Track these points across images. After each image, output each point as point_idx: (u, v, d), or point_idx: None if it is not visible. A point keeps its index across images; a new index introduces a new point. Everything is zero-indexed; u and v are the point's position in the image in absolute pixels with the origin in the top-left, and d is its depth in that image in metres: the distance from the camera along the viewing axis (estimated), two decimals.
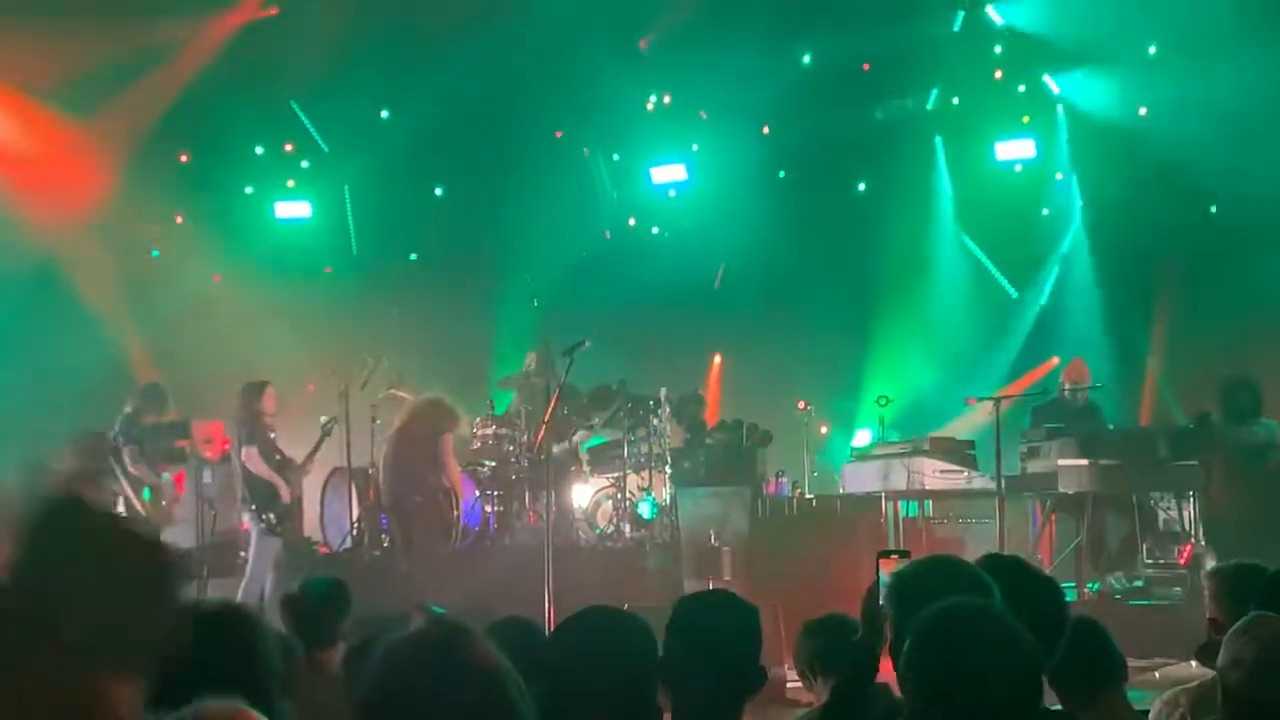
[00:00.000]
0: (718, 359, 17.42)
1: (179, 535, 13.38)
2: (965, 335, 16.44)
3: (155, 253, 17.04)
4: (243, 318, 16.15)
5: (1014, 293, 17.00)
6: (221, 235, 16.82)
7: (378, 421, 13.76)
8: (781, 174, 17.08)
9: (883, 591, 3.78)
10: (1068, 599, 3.92)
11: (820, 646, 5.19)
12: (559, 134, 16.95)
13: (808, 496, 13.60)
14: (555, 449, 13.28)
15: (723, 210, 17.18)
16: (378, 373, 13.94)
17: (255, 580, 12.05)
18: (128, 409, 12.94)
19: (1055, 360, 14.94)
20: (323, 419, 13.13)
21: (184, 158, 16.75)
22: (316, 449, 12.80)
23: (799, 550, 12.24)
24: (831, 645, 5.06)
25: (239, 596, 11.90)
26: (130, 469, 12.63)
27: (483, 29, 15.41)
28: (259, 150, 17.17)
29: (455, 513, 12.26)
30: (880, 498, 12.89)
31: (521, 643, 3.77)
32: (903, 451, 13.04)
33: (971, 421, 13.83)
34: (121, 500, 12.69)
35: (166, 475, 13.02)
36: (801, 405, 14.42)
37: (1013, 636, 3.04)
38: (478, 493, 13.43)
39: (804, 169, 16.97)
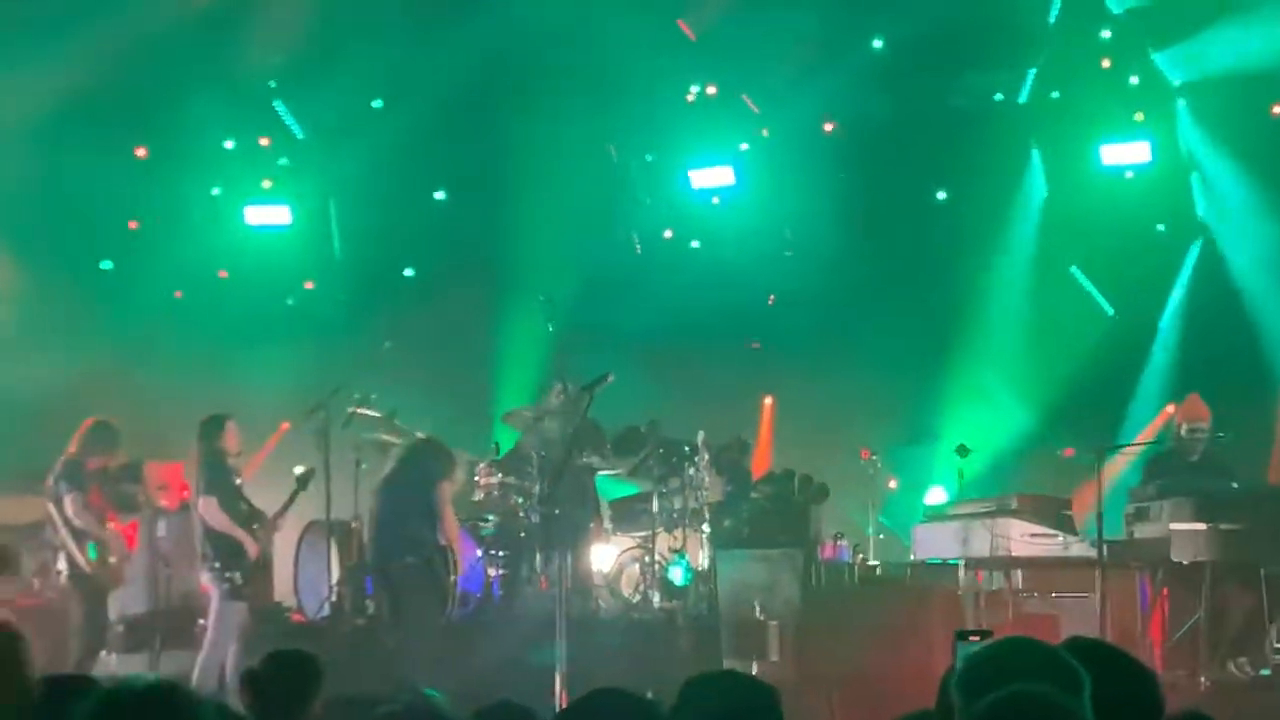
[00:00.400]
0: (769, 400, 17.42)
1: (129, 597, 13.46)
2: (1063, 375, 16.39)
3: (106, 264, 17.16)
4: (208, 342, 16.24)
5: (1123, 325, 16.95)
6: (184, 244, 16.93)
7: (363, 467, 13.80)
8: (845, 178, 17.08)
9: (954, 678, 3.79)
10: (1161, 691, 3.91)
11: None
12: (582, 130, 16.99)
13: (871, 563, 13.58)
14: (572, 502, 13.31)
15: (776, 221, 17.20)
16: (364, 409, 13.98)
17: (216, 652, 12.07)
18: (71, 450, 13.00)
19: (1171, 407, 14.87)
20: (297, 469, 13.16)
21: (141, 152, 16.87)
22: (289, 504, 12.84)
23: (860, 627, 12.23)
24: None
25: (196, 671, 11.93)
26: (73, 519, 12.69)
27: (494, 4, 15.51)
28: (229, 144, 17.28)
29: (452, 576, 12.27)
30: (958, 566, 12.85)
31: None
32: (986, 511, 12.99)
33: (1069, 478, 13.78)
34: (62, 556, 12.76)
35: (114, 527, 13.08)
36: (865, 455, 14.39)
37: None
38: (480, 552, 13.45)
39: (872, 173, 16.97)
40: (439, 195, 17.65)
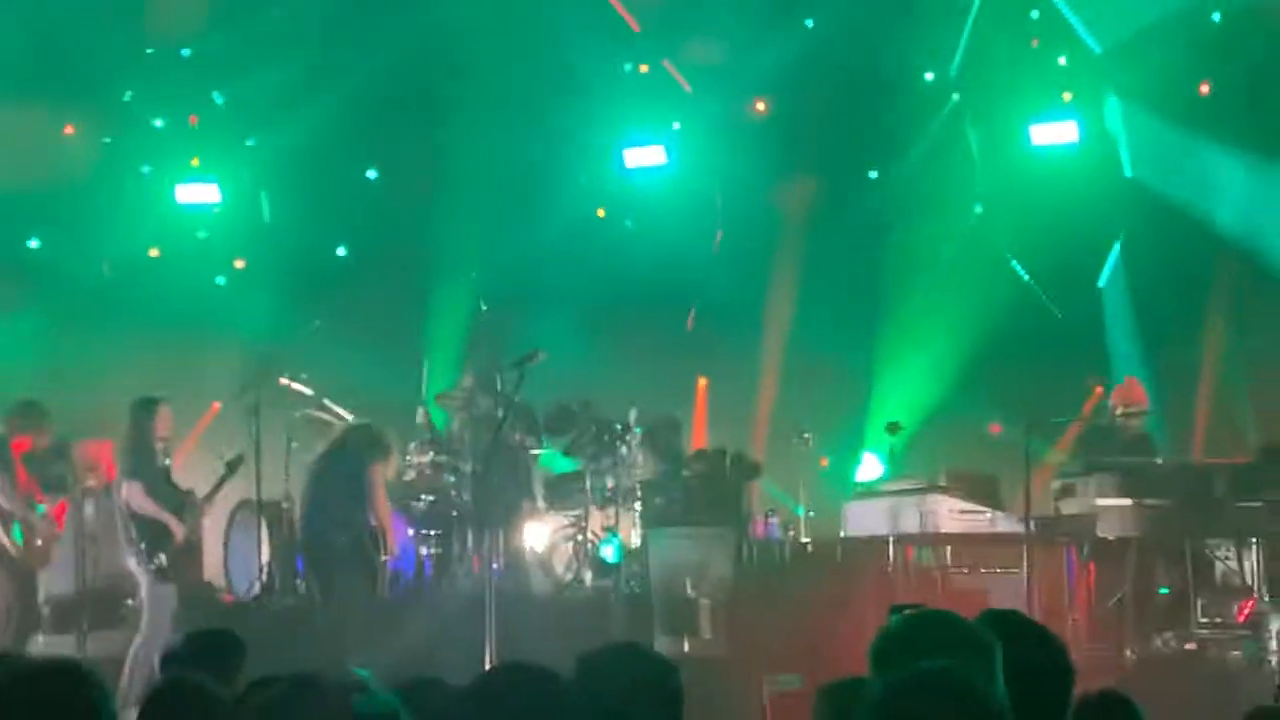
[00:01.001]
0: (703, 381, 17.42)
1: (57, 578, 13.36)
2: (992, 354, 16.46)
3: (33, 242, 16.99)
4: (139, 321, 16.11)
5: (1052, 306, 17.05)
6: (115, 222, 16.79)
7: (294, 445, 13.76)
8: (778, 158, 17.08)
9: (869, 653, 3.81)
10: (1070, 658, 3.95)
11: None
12: (516, 106, 16.93)
13: (803, 540, 13.61)
14: (505, 481, 13.31)
15: (708, 200, 17.19)
16: (296, 389, 13.93)
17: (154, 638, 11.94)
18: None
19: (1100, 389, 14.99)
20: (225, 456, 13.10)
21: (69, 130, 16.71)
22: (217, 489, 12.80)
23: (792, 604, 12.28)
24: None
25: (129, 658, 11.86)
26: None
27: None
28: (158, 123, 17.14)
29: (383, 556, 12.25)
30: (888, 542, 12.90)
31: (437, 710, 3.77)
32: (915, 488, 13.06)
33: (997, 455, 13.86)
34: None
35: (43, 507, 12.98)
36: (805, 436, 14.36)
37: (979, 708, 3.05)
38: (411, 532, 13.43)
39: (805, 152, 16.99)
40: (371, 174, 17.55)
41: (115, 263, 16.93)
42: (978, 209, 17.10)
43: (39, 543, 12.88)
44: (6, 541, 12.71)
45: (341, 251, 17.77)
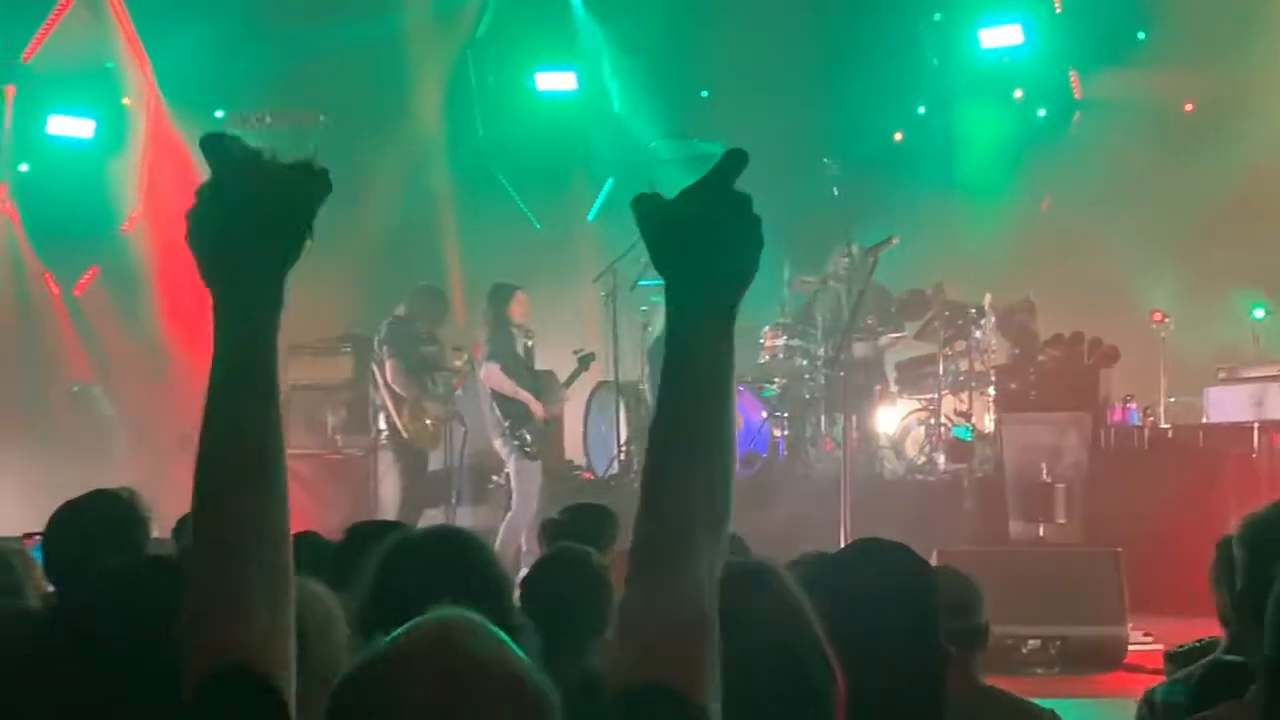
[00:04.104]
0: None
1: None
2: None
3: None
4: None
5: None
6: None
7: (649, 329, 14.03)
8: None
9: (1235, 536, 3.84)
10: None
11: None
12: None
13: (1162, 426, 13.40)
14: (857, 365, 13.37)
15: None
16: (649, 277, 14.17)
17: (522, 513, 12.39)
18: (399, 310, 13.41)
19: None
20: (578, 351, 13.41)
21: None
22: (570, 382, 13.18)
23: (1148, 490, 12.15)
24: None
25: (500, 532, 12.34)
26: (392, 384, 13.12)
27: None
28: None
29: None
30: (1253, 428, 12.61)
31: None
32: None
33: None
34: (382, 416, 13.22)
35: (442, 388, 13.43)
36: (1158, 318, 14.11)
37: None
38: (764, 414, 13.63)
39: None
40: None
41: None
42: None
43: (428, 424, 13.38)
44: (400, 422, 13.26)
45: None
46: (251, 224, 2.26)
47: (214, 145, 2.28)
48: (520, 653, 2.09)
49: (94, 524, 4.62)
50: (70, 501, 4.77)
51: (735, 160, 2.25)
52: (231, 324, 2.28)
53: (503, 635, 2.10)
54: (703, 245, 2.23)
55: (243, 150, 2.28)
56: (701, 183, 2.25)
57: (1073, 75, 16.84)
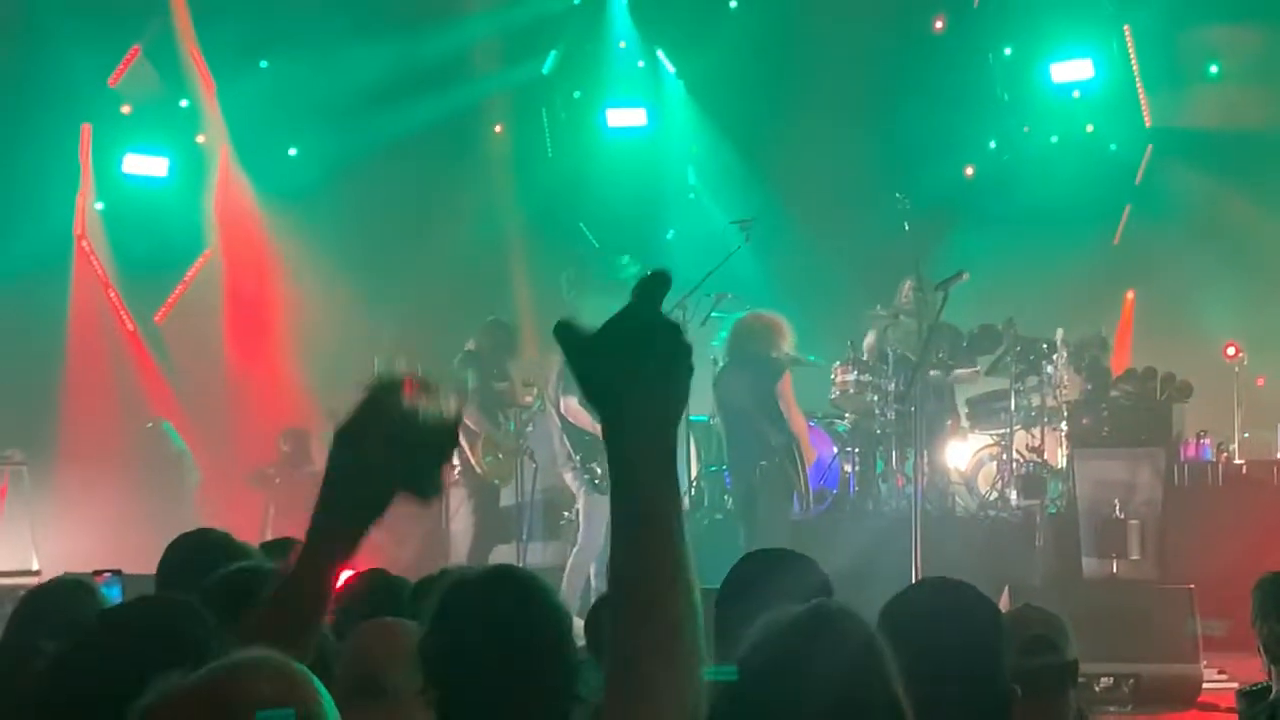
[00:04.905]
0: (1130, 295, 17.05)
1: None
2: None
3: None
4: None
5: None
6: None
7: (719, 365, 13.99)
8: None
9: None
10: None
11: None
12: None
13: (1237, 462, 13.28)
14: (928, 400, 13.30)
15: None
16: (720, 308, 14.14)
17: (590, 547, 12.33)
18: (470, 345, 13.44)
19: None
20: None
21: None
22: None
23: (1223, 526, 12.05)
24: None
25: (568, 568, 12.32)
26: (466, 420, 13.17)
27: None
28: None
29: (802, 474, 12.27)
30: None
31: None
32: None
33: None
34: (456, 453, 13.22)
35: (512, 424, 13.46)
36: (1232, 352, 14.01)
37: None
38: (835, 449, 13.60)
39: None
40: None
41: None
42: None
43: (501, 458, 13.39)
44: (474, 459, 13.26)
45: None
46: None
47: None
48: None
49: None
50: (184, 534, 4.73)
51: (657, 284, 2.14)
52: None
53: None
54: (630, 384, 2.14)
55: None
56: (624, 312, 2.14)
57: (1144, 107, 16.77)
